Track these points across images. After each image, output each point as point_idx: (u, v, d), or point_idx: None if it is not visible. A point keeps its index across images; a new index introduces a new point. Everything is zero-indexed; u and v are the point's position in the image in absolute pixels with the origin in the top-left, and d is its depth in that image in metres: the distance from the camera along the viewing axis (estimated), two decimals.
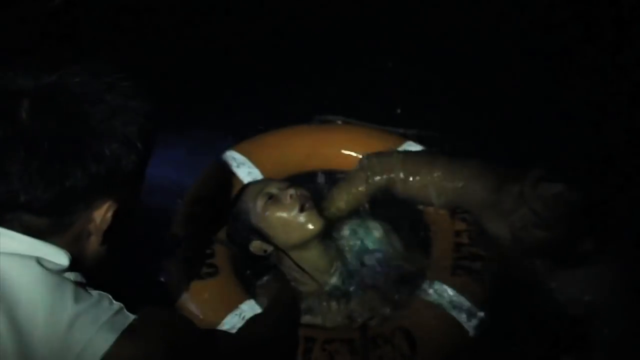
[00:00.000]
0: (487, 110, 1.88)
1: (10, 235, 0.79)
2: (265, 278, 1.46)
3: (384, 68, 2.05)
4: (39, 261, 0.78)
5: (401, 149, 1.69)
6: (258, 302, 1.40)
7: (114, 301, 0.82)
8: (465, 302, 1.38)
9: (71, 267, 0.82)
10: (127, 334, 0.77)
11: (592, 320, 1.37)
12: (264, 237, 1.43)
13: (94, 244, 0.86)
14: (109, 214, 0.84)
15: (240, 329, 1.25)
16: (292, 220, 1.39)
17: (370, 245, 1.52)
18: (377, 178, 1.60)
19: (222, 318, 1.36)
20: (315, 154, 1.72)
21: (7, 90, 0.78)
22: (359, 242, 1.52)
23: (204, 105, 1.96)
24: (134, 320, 0.80)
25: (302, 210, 1.39)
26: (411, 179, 1.58)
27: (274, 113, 1.83)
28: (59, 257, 0.81)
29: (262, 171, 1.67)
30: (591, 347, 1.34)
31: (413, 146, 1.70)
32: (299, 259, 1.44)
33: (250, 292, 1.44)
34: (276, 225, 1.41)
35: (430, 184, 1.56)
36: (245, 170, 1.65)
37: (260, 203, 1.42)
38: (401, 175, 1.59)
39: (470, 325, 1.35)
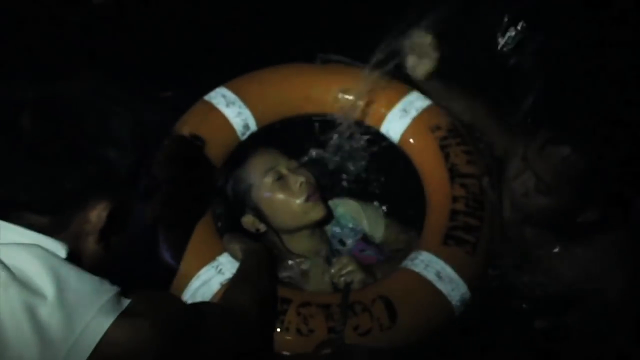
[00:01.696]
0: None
1: (13, 229, 0.86)
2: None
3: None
4: (41, 247, 0.85)
5: (406, 98, 1.58)
6: (230, 252, 1.35)
7: (111, 285, 0.88)
8: (453, 275, 1.31)
9: (70, 261, 0.88)
10: (123, 318, 0.83)
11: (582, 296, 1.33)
12: (260, 215, 1.41)
13: (91, 243, 0.92)
14: (104, 214, 0.90)
15: (223, 297, 1.20)
16: (296, 208, 1.38)
17: (350, 225, 1.51)
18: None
19: (198, 269, 1.32)
20: (312, 97, 1.60)
21: (9, 100, 0.87)
22: (340, 222, 1.51)
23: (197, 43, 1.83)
24: (129, 303, 0.86)
25: (307, 200, 1.38)
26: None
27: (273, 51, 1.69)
28: (57, 249, 0.86)
29: (253, 112, 1.56)
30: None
31: (419, 96, 1.58)
32: (288, 241, 1.44)
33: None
34: (278, 208, 1.39)
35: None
36: (235, 110, 1.54)
37: (267, 181, 1.38)
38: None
39: (455, 299, 1.29)
